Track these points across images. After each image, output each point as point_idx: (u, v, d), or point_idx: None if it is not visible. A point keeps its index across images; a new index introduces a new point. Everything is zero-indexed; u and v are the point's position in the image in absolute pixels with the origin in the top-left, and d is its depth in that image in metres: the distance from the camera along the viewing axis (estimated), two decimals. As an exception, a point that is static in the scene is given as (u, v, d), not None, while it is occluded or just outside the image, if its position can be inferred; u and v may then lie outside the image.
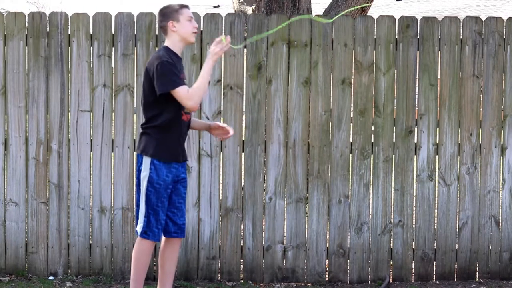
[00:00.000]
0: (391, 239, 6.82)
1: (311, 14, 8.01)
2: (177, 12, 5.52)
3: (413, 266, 6.86)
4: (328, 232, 6.81)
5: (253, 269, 6.79)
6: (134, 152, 6.55)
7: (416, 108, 6.79)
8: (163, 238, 5.66)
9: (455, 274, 6.87)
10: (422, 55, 6.76)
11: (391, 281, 6.82)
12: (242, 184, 6.75)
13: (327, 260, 6.83)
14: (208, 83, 5.53)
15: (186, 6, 5.58)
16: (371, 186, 6.80)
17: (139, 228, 5.52)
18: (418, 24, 6.75)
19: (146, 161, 5.49)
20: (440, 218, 6.84)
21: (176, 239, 5.65)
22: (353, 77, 6.74)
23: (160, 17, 5.57)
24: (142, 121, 5.62)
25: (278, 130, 6.72)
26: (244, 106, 6.73)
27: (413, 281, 6.84)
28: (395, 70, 6.76)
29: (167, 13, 5.54)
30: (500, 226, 6.87)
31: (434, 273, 6.88)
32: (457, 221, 6.85)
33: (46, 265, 6.76)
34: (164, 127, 5.46)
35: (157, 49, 6.25)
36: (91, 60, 6.68)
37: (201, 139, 6.71)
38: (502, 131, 6.82)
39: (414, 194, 6.83)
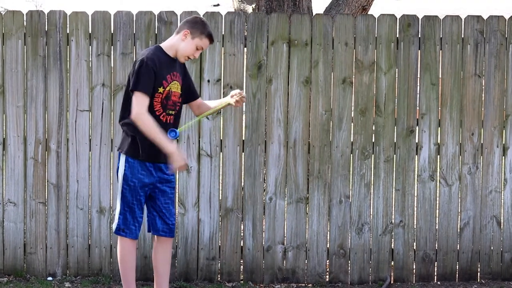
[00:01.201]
0: (392, 240, 6.79)
1: (312, 13, 7.98)
2: (200, 34, 5.48)
3: (414, 267, 6.83)
4: (328, 232, 6.78)
5: (253, 269, 6.75)
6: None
7: (418, 108, 6.76)
8: (155, 239, 5.65)
9: (457, 275, 6.84)
10: (424, 54, 6.72)
11: (392, 282, 6.79)
12: (242, 184, 6.72)
13: (327, 261, 6.80)
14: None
15: (211, 38, 5.53)
16: (372, 186, 6.76)
17: (113, 225, 5.54)
18: (420, 23, 6.71)
19: (122, 158, 5.50)
20: (441, 218, 6.80)
21: (166, 239, 5.62)
22: (354, 76, 6.70)
23: (188, 19, 5.54)
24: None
25: (278, 129, 6.68)
26: (244, 106, 6.69)
27: (414, 281, 6.81)
28: (396, 69, 6.72)
29: (194, 24, 5.50)
30: (502, 226, 6.83)
31: (435, 273, 6.85)
32: (459, 222, 6.81)
33: (44, 266, 6.72)
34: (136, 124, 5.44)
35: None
36: (90, 59, 6.64)
37: (201, 139, 6.67)
38: (504, 130, 6.79)
39: (415, 194, 6.79)
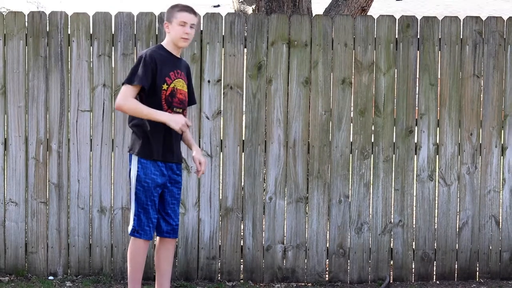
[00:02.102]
0: (391, 239, 6.81)
1: (311, 13, 8.01)
2: (173, 14, 5.52)
3: (413, 266, 6.85)
4: (328, 232, 6.80)
5: (253, 269, 6.78)
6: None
7: (416, 108, 6.78)
8: (157, 239, 5.67)
9: (456, 274, 6.86)
10: (423, 55, 6.75)
11: (391, 281, 6.81)
12: (242, 184, 6.74)
13: (327, 260, 6.82)
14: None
15: (185, 10, 5.53)
16: (371, 186, 6.78)
17: (129, 227, 5.54)
18: (418, 24, 6.74)
19: (134, 159, 5.50)
20: (440, 218, 6.83)
21: (169, 240, 5.64)
22: (353, 76, 6.73)
23: (165, 14, 5.61)
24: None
25: (278, 130, 6.71)
26: (244, 106, 6.72)
27: (413, 281, 6.83)
28: (395, 70, 6.75)
29: (168, 13, 5.58)
30: (500, 226, 6.85)
31: (434, 273, 6.87)
32: (458, 221, 6.84)
33: (46, 265, 6.74)
34: (146, 125, 5.45)
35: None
36: (91, 59, 6.67)
37: (201, 139, 6.70)
38: (502, 130, 6.81)
39: (415, 194, 6.81)
